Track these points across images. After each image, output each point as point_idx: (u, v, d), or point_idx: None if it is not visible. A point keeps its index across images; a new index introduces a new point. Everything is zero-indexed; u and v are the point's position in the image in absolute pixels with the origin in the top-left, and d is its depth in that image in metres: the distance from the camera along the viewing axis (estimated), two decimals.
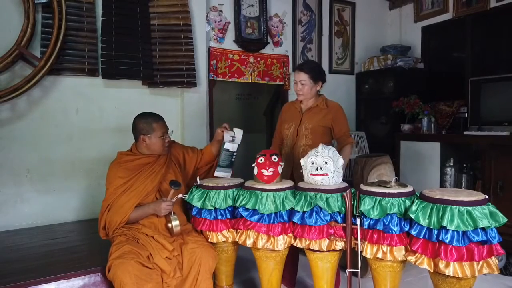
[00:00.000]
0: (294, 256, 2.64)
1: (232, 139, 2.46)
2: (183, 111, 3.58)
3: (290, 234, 2.15)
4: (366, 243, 1.97)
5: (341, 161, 2.16)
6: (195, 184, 2.38)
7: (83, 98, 3.15)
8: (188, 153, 2.57)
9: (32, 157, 2.97)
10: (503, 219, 1.75)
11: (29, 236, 2.71)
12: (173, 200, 2.19)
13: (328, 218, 2.01)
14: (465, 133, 3.44)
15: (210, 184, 2.30)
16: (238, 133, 2.48)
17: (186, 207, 2.43)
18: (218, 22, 3.83)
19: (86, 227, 2.90)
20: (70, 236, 2.73)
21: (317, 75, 2.56)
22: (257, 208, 2.08)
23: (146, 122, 2.29)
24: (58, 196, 3.06)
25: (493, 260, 1.77)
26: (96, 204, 2.87)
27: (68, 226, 2.96)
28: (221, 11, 3.83)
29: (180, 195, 2.25)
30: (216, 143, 2.57)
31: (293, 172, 2.56)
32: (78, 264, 2.14)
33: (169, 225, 2.16)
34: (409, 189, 1.98)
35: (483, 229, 1.72)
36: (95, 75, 3.16)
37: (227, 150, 2.46)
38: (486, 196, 1.82)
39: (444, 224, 1.71)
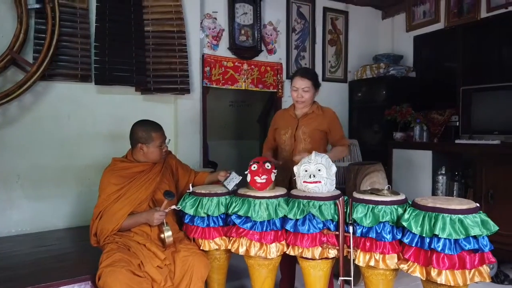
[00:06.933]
0: (291, 267, 2.64)
1: (230, 182, 2.38)
2: (176, 118, 3.57)
3: (283, 242, 2.14)
4: (358, 251, 1.96)
5: (334, 168, 2.16)
6: (187, 191, 2.37)
7: (75, 104, 3.13)
8: (182, 169, 2.57)
9: (22, 163, 2.94)
10: (494, 227, 1.76)
11: (18, 243, 2.67)
12: (166, 210, 2.17)
13: (321, 225, 2.01)
14: (456, 141, 3.47)
15: (202, 191, 2.29)
16: (235, 179, 2.40)
17: (178, 215, 2.42)
18: (212, 29, 3.84)
19: (77, 234, 2.87)
20: (60, 243, 2.69)
21: (318, 82, 2.59)
22: (249, 215, 2.08)
23: (145, 130, 2.28)
24: (49, 203, 3.03)
25: (485, 268, 1.78)
26: (87, 211, 2.83)
27: (58, 233, 2.92)
28: (215, 18, 3.85)
29: (173, 206, 2.23)
30: (213, 178, 2.56)
31: (292, 177, 2.55)
32: (67, 272, 2.11)
33: (162, 236, 2.14)
34: (401, 197, 1.99)
35: (475, 237, 1.72)
36: (88, 81, 3.15)
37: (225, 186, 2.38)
38: (478, 205, 1.83)
39: (436, 232, 1.71)
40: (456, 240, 1.71)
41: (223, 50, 3.90)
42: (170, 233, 2.13)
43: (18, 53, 2.81)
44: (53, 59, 2.92)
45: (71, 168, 3.12)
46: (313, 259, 2.06)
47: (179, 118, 3.57)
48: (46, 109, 3.02)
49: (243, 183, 2.32)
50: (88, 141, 3.19)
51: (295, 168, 2.21)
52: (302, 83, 2.51)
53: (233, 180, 2.37)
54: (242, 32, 3.96)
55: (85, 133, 3.18)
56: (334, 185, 2.19)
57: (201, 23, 3.75)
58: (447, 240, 1.71)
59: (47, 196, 3.03)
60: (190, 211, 2.25)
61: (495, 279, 2.94)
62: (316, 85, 2.56)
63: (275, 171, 2.28)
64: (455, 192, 3.50)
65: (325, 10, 4.58)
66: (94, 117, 3.22)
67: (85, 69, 3.12)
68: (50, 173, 3.04)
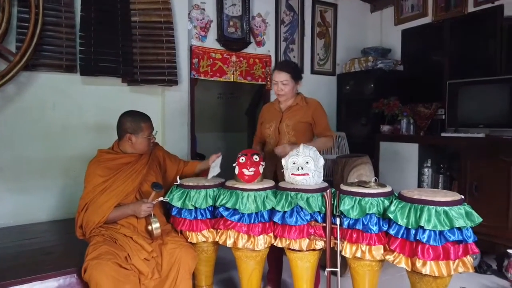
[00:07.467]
0: (279, 258, 2.65)
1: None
2: (164, 110, 3.54)
3: (271, 234, 2.15)
4: (345, 242, 1.98)
5: (321, 161, 2.17)
6: (175, 183, 2.36)
7: (60, 95, 3.08)
8: (170, 160, 2.54)
9: (5, 154, 2.88)
10: (478, 219, 1.79)
11: (1, 237, 2.62)
12: (154, 202, 2.15)
13: (308, 217, 2.02)
14: (442, 134, 3.52)
15: (190, 184, 2.27)
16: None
17: (165, 207, 2.40)
18: (201, 20, 3.80)
19: (62, 227, 2.83)
20: (44, 236, 2.66)
21: (297, 74, 2.57)
22: (237, 207, 2.07)
23: (134, 121, 2.25)
24: (33, 195, 2.98)
25: (468, 259, 1.81)
26: (73, 204, 2.79)
27: (42, 226, 2.88)
28: (204, 9, 3.81)
29: (161, 198, 2.22)
30: (204, 166, 2.55)
31: (277, 170, 2.56)
32: (52, 265, 2.08)
33: (149, 227, 2.13)
34: (388, 189, 2.01)
35: (459, 228, 1.75)
36: (73, 72, 3.09)
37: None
38: (462, 197, 1.86)
39: (422, 224, 1.73)
40: (441, 232, 1.74)
41: (211, 41, 3.86)
42: (158, 224, 2.12)
43: (1, 42, 2.74)
44: (37, 48, 2.86)
45: (56, 159, 3.07)
46: (300, 250, 2.07)
47: (166, 110, 3.53)
48: (30, 100, 2.96)
49: (231, 175, 2.31)
50: (73, 132, 3.14)
51: (283, 161, 2.21)
52: (280, 77, 2.51)
53: (214, 171, 2.38)
54: (231, 23, 3.92)
55: (71, 125, 3.13)
56: (322, 178, 2.20)
57: (189, 14, 3.70)
58: (432, 232, 1.74)
59: (31, 188, 2.98)
60: (177, 203, 2.23)
61: (478, 269, 2.99)
62: (295, 78, 2.55)
63: (263, 163, 2.27)
64: (440, 184, 3.55)
65: (314, 2, 4.56)
66: (79, 108, 3.17)
67: (70, 59, 3.06)
68: (34, 165, 2.99)
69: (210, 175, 2.37)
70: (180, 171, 2.54)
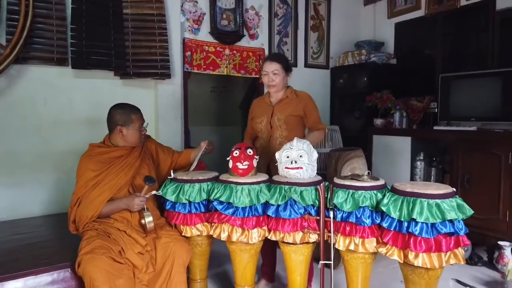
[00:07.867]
0: (273, 252, 2.67)
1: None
2: (156, 103, 3.52)
3: (265, 227, 2.16)
4: (339, 235, 1.99)
5: (315, 154, 2.17)
6: (168, 177, 2.35)
7: (52, 88, 3.05)
8: (163, 152, 2.53)
9: None
10: (469, 211, 1.80)
11: None
12: (147, 196, 2.15)
13: (302, 211, 2.03)
14: (434, 128, 3.54)
15: (184, 178, 2.27)
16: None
17: (159, 201, 2.40)
18: (193, 13, 3.76)
19: (55, 222, 2.82)
20: (38, 231, 2.64)
21: (288, 66, 2.59)
22: (231, 201, 2.08)
23: (124, 113, 2.24)
24: (26, 190, 2.96)
25: (460, 251, 1.83)
26: (65, 198, 2.77)
27: (36, 221, 2.86)
28: (196, 1, 3.77)
29: (154, 192, 2.21)
30: (198, 152, 2.55)
31: (270, 164, 2.56)
32: (46, 260, 2.08)
33: (143, 221, 2.12)
34: (381, 182, 2.02)
35: (451, 221, 1.77)
36: (65, 65, 3.06)
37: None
38: (454, 189, 1.87)
39: (414, 216, 1.75)
40: (433, 224, 1.75)
41: (204, 34, 3.83)
42: (151, 218, 2.11)
43: None
44: (28, 41, 2.82)
45: (48, 154, 3.04)
46: (294, 243, 2.08)
47: (159, 103, 3.51)
48: (21, 94, 2.93)
49: (225, 169, 2.32)
50: (65, 126, 3.11)
51: (277, 154, 2.22)
52: (271, 67, 2.52)
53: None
54: (224, 16, 3.89)
55: (63, 119, 3.10)
56: (316, 171, 2.21)
57: (182, 6, 3.67)
58: (424, 224, 1.75)
59: (24, 182, 2.96)
60: (171, 197, 2.23)
61: (469, 261, 3.03)
62: (286, 69, 2.56)
63: (257, 157, 2.28)
64: (432, 177, 3.58)
65: None
66: (71, 102, 3.14)
67: (62, 52, 3.02)
68: (27, 159, 2.97)
69: (191, 168, 2.43)
70: (175, 163, 2.54)
